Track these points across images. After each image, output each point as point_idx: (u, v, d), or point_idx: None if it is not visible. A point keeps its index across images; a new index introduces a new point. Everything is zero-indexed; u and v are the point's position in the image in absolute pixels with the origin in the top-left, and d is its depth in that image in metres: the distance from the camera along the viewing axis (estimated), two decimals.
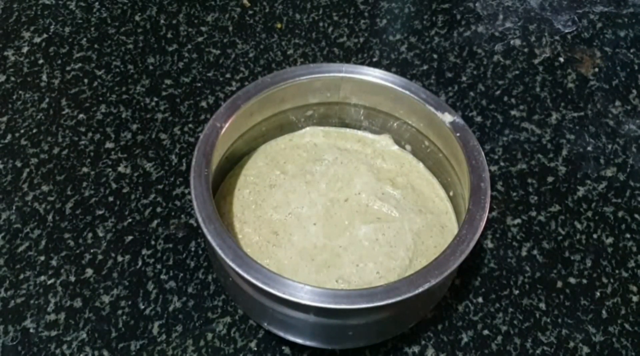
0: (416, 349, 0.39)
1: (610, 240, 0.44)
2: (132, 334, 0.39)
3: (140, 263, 0.42)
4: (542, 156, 0.48)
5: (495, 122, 0.50)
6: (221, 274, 0.36)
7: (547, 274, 0.42)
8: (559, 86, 0.53)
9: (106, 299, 0.40)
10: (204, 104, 0.50)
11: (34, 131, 0.48)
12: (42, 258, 0.42)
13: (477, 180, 0.35)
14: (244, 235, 0.38)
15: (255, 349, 0.39)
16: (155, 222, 0.44)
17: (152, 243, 0.43)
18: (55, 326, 0.39)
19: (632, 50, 0.56)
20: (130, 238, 0.43)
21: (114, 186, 0.45)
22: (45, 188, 0.45)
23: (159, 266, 0.42)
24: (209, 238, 0.32)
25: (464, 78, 0.53)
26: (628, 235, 0.44)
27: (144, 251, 0.42)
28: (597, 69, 0.54)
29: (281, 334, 0.36)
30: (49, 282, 0.41)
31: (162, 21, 0.56)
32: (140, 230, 0.43)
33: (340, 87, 0.41)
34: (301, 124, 0.43)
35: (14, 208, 0.44)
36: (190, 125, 0.49)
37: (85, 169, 0.46)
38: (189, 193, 0.40)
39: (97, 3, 0.58)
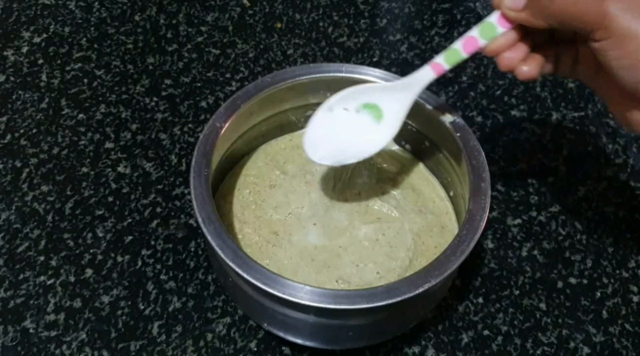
0: (416, 349, 0.39)
1: (610, 240, 0.44)
2: (132, 334, 0.39)
3: (140, 263, 0.42)
4: (542, 156, 0.48)
5: (495, 122, 0.50)
6: (221, 274, 0.36)
7: (548, 274, 0.42)
8: (559, 86, 0.53)
9: (106, 299, 0.40)
10: (204, 104, 0.50)
11: (34, 131, 0.48)
12: (42, 258, 0.42)
13: (477, 180, 0.35)
14: (244, 235, 0.38)
15: (255, 349, 0.39)
16: (155, 222, 0.44)
17: (152, 243, 0.43)
18: (55, 327, 0.39)
19: None
20: (130, 238, 0.43)
21: (113, 186, 0.45)
22: (45, 188, 0.45)
23: (158, 267, 0.42)
24: (209, 238, 0.32)
25: (464, 78, 0.53)
26: (628, 235, 0.44)
27: (143, 251, 0.42)
28: None
29: (281, 334, 0.36)
30: (49, 282, 0.41)
31: (162, 21, 0.56)
32: (140, 230, 0.43)
33: (340, 87, 0.41)
34: (301, 124, 0.43)
35: (13, 208, 0.44)
36: (190, 125, 0.49)
37: (85, 169, 0.46)
38: (189, 193, 0.40)
39: (97, 3, 0.57)
